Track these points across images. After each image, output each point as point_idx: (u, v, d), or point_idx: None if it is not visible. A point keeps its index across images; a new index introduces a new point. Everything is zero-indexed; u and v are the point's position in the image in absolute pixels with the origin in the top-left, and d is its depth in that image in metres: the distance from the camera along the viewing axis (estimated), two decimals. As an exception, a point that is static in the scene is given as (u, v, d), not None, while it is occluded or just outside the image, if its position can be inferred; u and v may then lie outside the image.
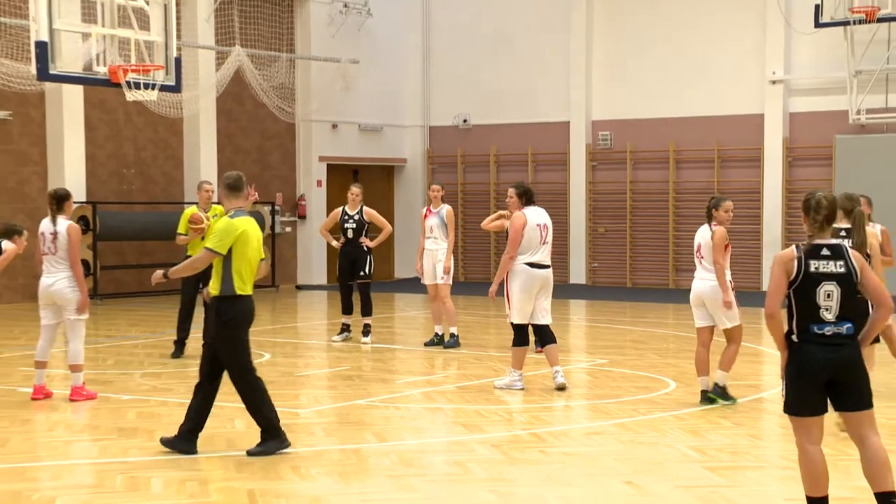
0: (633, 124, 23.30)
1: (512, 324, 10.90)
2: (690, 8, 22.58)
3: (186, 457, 8.01)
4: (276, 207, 22.90)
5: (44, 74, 14.30)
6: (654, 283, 23.19)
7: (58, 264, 10.17)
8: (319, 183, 23.91)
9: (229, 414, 9.60)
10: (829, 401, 6.00)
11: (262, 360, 12.88)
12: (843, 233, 9.33)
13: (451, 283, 14.14)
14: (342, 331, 14.53)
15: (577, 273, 23.75)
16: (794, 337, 5.98)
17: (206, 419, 8.26)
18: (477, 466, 7.66)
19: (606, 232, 23.76)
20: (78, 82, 17.32)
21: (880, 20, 20.02)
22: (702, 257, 10.06)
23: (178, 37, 16.58)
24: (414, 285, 24.18)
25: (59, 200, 10.41)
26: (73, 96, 19.63)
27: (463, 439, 8.64)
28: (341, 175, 23.90)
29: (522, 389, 10.82)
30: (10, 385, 11.08)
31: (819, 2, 20.37)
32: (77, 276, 10.20)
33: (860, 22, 20.07)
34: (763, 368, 12.87)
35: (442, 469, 7.57)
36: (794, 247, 6.01)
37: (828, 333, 5.91)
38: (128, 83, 14.79)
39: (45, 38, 13.95)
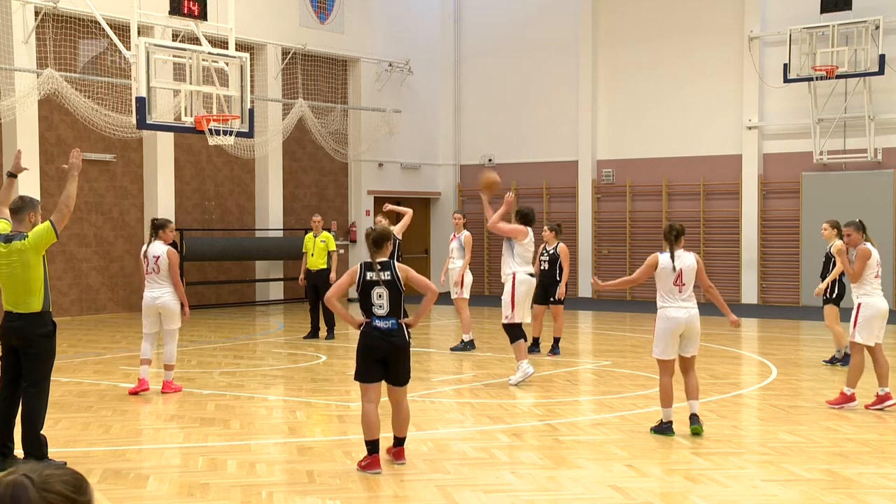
0: (632, 163, 23.21)
1: (505, 325, 10.87)
2: (680, 67, 22.50)
3: (257, 442, 8.01)
4: (332, 233, 22.91)
5: (142, 124, 14.46)
6: (650, 296, 22.92)
7: (161, 281, 10.24)
8: (368, 212, 23.94)
9: (292, 406, 9.61)
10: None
11: (319, 362, 12.89)
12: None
13: (466, 296, 14.12)
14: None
15: (585, 288, 23.64)
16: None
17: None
18: (500, 452, 7.62)
19: (609, 253, 23.63)
20: (169, 130, 17.58)
21: (838, 76, 20.10)
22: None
23: (252, 91, 16.72)
24: (446, 298, 24.06)
25: (156, 228, 10.45)
26: (165, 141, 19.78)
27: (488, 429, 8.60)
28: (386, 206, 23.97)
29: (533, 373, 10.79)
30: (113, 381, 11.15)
31: (787, 61, 20.50)
32: (179, 291, 10.32)
33: (821, 78, 20.16)
34: (742, 369, 12.75)
35: (470, 454, 7.53)
36: (359, 265, 6.92)
37: (382, 326, 6.86)
38: (209, 130, 14.93)
39: (143, 94, 14.12)
